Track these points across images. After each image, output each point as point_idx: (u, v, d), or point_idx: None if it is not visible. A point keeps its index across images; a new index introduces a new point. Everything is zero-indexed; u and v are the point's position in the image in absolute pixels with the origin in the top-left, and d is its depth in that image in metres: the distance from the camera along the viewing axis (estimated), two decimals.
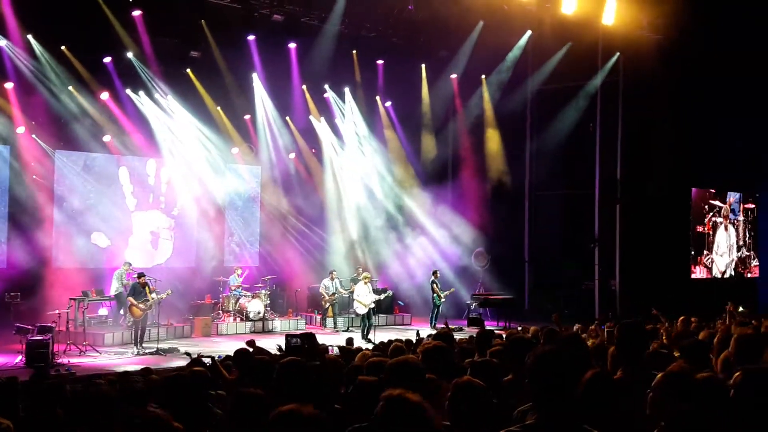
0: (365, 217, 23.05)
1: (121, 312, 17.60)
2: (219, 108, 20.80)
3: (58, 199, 18.89)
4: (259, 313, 19.15)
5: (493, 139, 23.12)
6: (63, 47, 17.70)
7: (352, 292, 18.93)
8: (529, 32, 21.09)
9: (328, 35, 20.07)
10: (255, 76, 20.99)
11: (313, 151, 23.20)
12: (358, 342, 14.63)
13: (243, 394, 3.84)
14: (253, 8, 18.53)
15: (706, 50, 19.74)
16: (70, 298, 16.55)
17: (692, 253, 23.76)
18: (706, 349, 5.56)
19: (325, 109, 22.75)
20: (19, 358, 13.35)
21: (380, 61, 22.23)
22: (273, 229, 22.69)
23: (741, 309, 15.27)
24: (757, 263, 26.15)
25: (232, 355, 8.16)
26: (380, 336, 15.70)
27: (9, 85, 17.58)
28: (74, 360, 14.06)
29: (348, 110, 22.92)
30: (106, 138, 19.24)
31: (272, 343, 11.12)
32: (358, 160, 23.24)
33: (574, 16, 17.88)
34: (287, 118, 22.21)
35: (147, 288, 15.60)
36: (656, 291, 18.82)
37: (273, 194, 22.63)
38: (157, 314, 16.23)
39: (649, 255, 20.81)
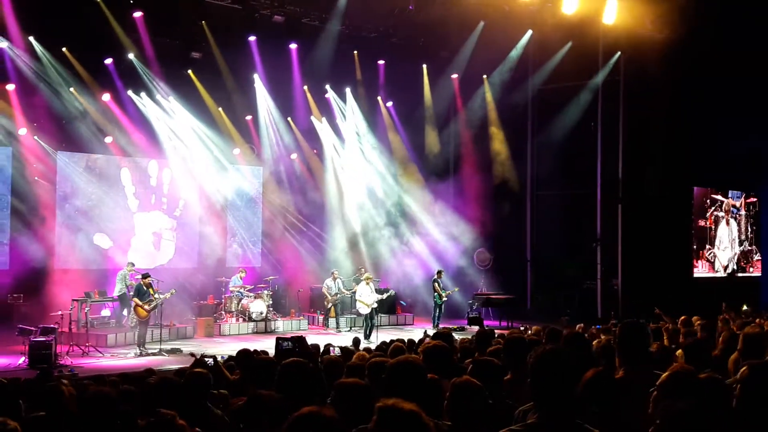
0: (367, 217, 23.06)
1: (124, 313, 17.62)
2: (220, 109, 20.82)
3: (61, 200, 18.93)
4: (261, 313, 19.17)
5: (494, 139, 23.12)
6: (64, 48, 17.74)
7: (354, 293, 18.94)
8: (530, 32, 21.08)
9: (328, 36, 20.08)
10: (256, 77, 21.01)
11: (315, 151, 23.22)
12: (363, 343, 14.62)
13: (257, 397, 3.82)
14: (253, 9, 18.56)
15: (707, 49, 19.71)
16: (73, 299, 16.57)
17: (694, 247, 23.73)
18: (708, 349, 5.57)
19: (326, 110, 22.76)
20: (22, 360, 13.37)
21: (381, 62, 22.24)
22: (275, 229, 22.70)
23: (745, 308, 15.27)
24: (760, 257, 26.14)
25: (235, 355, 8.18)
26: (382, 336, 15.71)
27: (11, 87, 17.61)
28: (77, 361, 14.08)
29: (349, 110, 22.93)
30: (108, 139, 19.27)
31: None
32: (359, 160, 23.25)
33: (575, 16, 17.87)
34: (288, 118, 22.23)
35: (151, 288, 15.63)
36: (658, 290, 18.82)
37: (275, 194, 22.65)
38: (159, 315, 16.25)
39: (651, 254, 20.80)
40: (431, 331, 14.23)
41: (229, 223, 22.02)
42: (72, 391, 5.02)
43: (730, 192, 25.41)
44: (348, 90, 22.64)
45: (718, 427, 2.82)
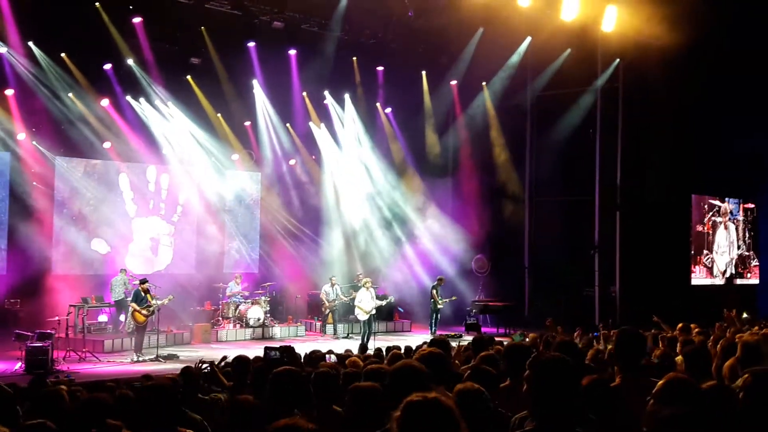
0: (365, 223, 23.06)
1: (121, 318, 17.59)
2: (219, 115, 20.83)
3: (59, 206, 18.91)
4: (258, 319, 19.14)
5: (493, 145, 23.14)
6: (63, 54, 17.75)
7: (353, 299, 18.89)
8: (529, 38, 21.10)
9: (328, 42, 20.12)
10: (255, 83, 21.03)
11: (313, 157, 23.22)
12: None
13: (238, 402, 3.83)
14: (253, 15, 18.59)
15: (706, 56, 19.76)
16: (70, 305, 16.57)
17: (692, 252, 23.73)
18: (708, 357, 5.56)
19: (325, 116, 22.77)
20: (18, 365, 13.34)
21: (380, 68, 22.26)
22: (273, 235, 22.69)
23: (745, 315, 15.24)
24: (757, 263, 26.14)
25: (231, 361, 8.15)
26: (379, 343, 15.67)
27: (10, 92, 17.61)
28: (74, 366, 14.05)
29: (348, 117, 22.94)
30: (107, 144, 19.27)
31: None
32: (358, 166, 23.25)
33: (574, 23, 17.90)
34: (287, 124, 22.24)
35: (149, 294, 15.61)
36: (656, 298, 18.79)
37: (273, 200, 22.65)
38: (156, 321, 16.22)
39: (650, 261, 20.78)
40: (423, 341, 14.19)
41: (227, 228, 22.00)
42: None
43: (727, 198, 25.43)
44: (347, 96, 22.66)
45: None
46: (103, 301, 17.97)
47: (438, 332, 19.02)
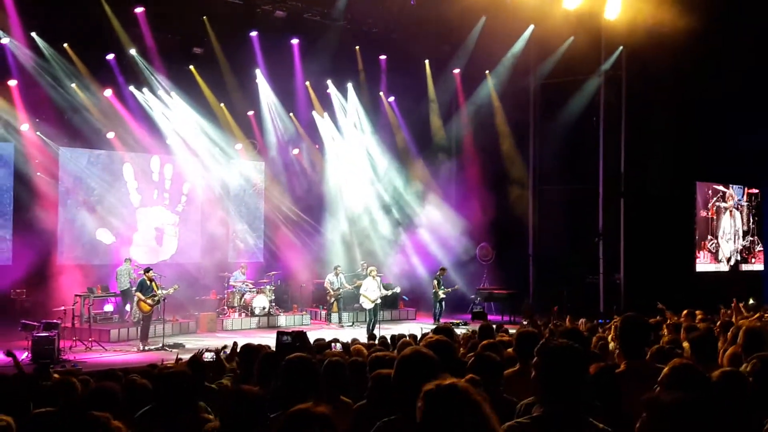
0: (369, 212, 23.07)
1: (127, 308, 17.66)
2: (222, 104, 20.82)
3: (63, 196, 18.95)
4: (264, 308, 19.20)
5: (496, 134, 23.10)
6: (66, 44, 17.73)
7: (358, 287, 18.92)
8: (531, 26, 21.03)
9: (330, 31, 20.07)
10: (258, 72, 21.00)
11: (317, 146, 23.22)
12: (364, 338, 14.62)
13: (240, 392, 3.82)
14: (255, 4, 18.57)
15: (709, 43, 19.67)
16: (76, 295, 16.62)
17: (696, 238, 23.71)
18: (714, 343, 5.57)
19: (328, 105, 22.75)
20: (25, 355, 13.38)
21: (383, 57, 22.21)
22: (277, 224, 22.73)
23: (751, 301, 15.25)
24: (762, 249, 26.13)
25: (238, 350, 8.18)
26: (384, 332, 15.71)
27: (13, 82, 17.61)
28: (80, 356, 14.13)
29: (351, 105, 22.92)
30: (110, 134, 19.27)
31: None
32: (361, 155, 23.25)
33: (577, 10, 17.83)
34: (291, 114, 22.23)
35: (154, 283, 15.66)
36: (661, 285, 18.79)
37: (276, 190, 22.67)
38: (162, 310, 16.28)
39: (654, 249, 20.77)
40: (427, 328, 14.21)
41: (231, 218, 22.04)
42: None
43: (731, 185, 25.40)
44: (350, 85, 22.62)
45: (702, 418, 2.81)
46: (108, 290, 18.03)
47: (442, 320, 19.06)
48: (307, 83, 21.89)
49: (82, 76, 18.24)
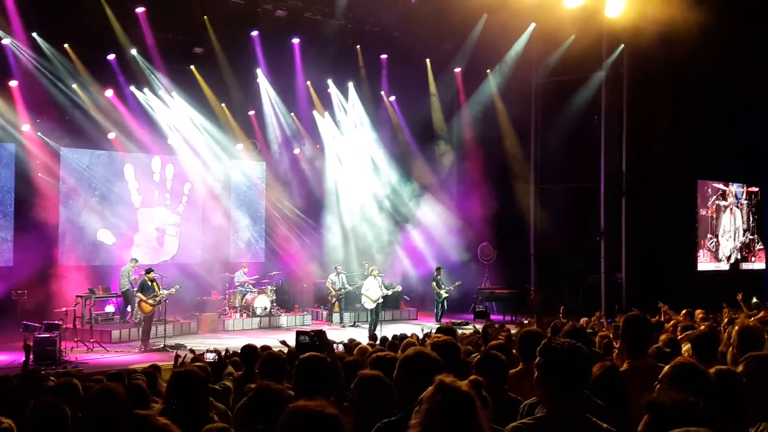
0: (370, 211, 23.05)
1: (128, 309, 17.65)
2: (223, 104, 20.81)
3: (64, 197, 18.94)
4: (265, 308, 19.20)
5: (497, 133, 23.08)
6: (66, 45, 17.72)
7: (359, 287, 18.92)
8: (533, 25, 21.01)
9: (331, 30, 20.05)
10: (259, 72, 20.99)
11: (318, 146, 23.20)
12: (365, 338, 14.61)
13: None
14: (256, 4, 18.55)
15: (710, 41, 19.62)
16: (77, 296, 16.61)
17: (697, 236, 23.69)
18: (715, 342, 5.56)
19: (329, 104, 22.74)
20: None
21: (384, 56, 22.20)
22: (278, 224, 22.72)
23: (754, 300, 15.21)
24: (762, 247, 26.10)
25: (240, 351, 8.18)
26: (386, 331, 15.71)
27: (14, 83, 17.61)
28: (82, 357, 14.13)
29: (352, 105, 22.90)
30: (111, 135, 19.26)
31: (278, 340, 11.04)
32: (362, 155, 23.22)
33: (578, 9, 17.80)
34: (292, 114, 22.22)
35: (155, 284, 15.65)
36: (663, 284, 18.77)
37: (278, 190, 22.65)
38: (163, 311, 16.27)
39: (655, 248, 20.75)
40: (428, 328, 14.20)
41: (232, 218, 22.03)
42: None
43: (731, 183, 25.37)
44: (351, 84, 22.61)
45: (702, 418, 2.80)
46: (109, 291, 18.03)
47: (444, 320, 19.05)
48: (308, 82, 21.88)
49: (83, 76, 18.22)
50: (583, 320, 12.10)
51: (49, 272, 17.81)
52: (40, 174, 18.42)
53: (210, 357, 9.02)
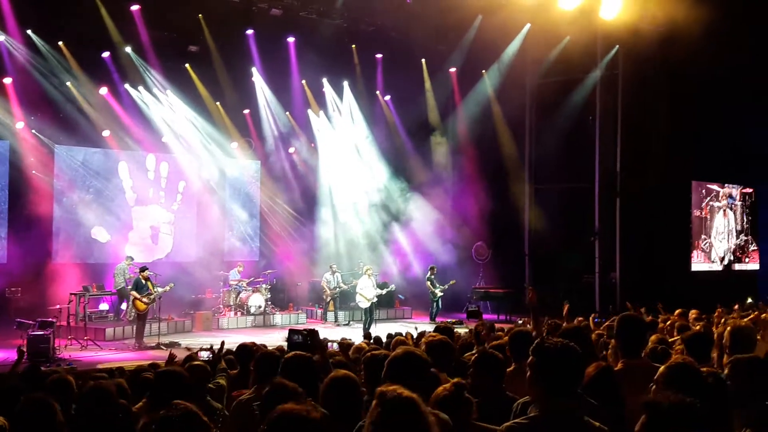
0: (365, 210, 23.05)
1: (123, 307, 17.62)
2: (218, 103, 20.78)
3: (58, 194, 18.89)
4: (260, 307, 19.19)
5: (492, 133, 23.09)
6: (61, 42, 17.68)
7: (354, 286, 18.93)
8: (528, 26, 21.03)
9: (326, 29, 20.03)
10: (254, 71, 20.96)
11: (312, 144, 23.18)
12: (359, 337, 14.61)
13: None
14: (251, 2, 18.52)
15: (704, 42, 19.65)
16: (71, 293, 16.57)
17: (691, 237, 23.75)
18: (709, 343, 5.57)
19: (324, 103, 22.73)
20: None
21: (379, 55, 22.20)
22: (273, 223, 22.70)
23: (749, 301, 15.26)
24: (756, 248, 26.18)
25: (234, 349, 8.17)
26: (381, 330, 15.70)
27: (8, 80, 17.56)
28: (75, 355, 14.09)
29: (347, 104, 22.89)
30: (106, 133, 19.22)
31: (273, 338, 11.10)
32: (357, 153, 23.22)
33: (573, 10, 17.82)
34: (287, 113, 22.20)
35: (149, 282, 15.63)
36: (657, 284, 18.81)
37: (272, 188, 22.63)
38: (157, 309, 16.25)
39: (650, 248, 20.80)
40: (422, 327, 14.17)
41: (227, 216, 22.00)
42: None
43: (726, 184, 25.44)
44: (346, 83, 22.60)
45: (709, 421, 2.82)
46: (104, 289, 17.99)
47: (438, 319, 19.06)
48: (303, 81, 21.86)
49: (78, 73, 18.18)
50: (577, 320, 12.11)
51: (43, 270, 17.79)
52: (34, 171, 18.38)
53: (204, 355, 9.00)
